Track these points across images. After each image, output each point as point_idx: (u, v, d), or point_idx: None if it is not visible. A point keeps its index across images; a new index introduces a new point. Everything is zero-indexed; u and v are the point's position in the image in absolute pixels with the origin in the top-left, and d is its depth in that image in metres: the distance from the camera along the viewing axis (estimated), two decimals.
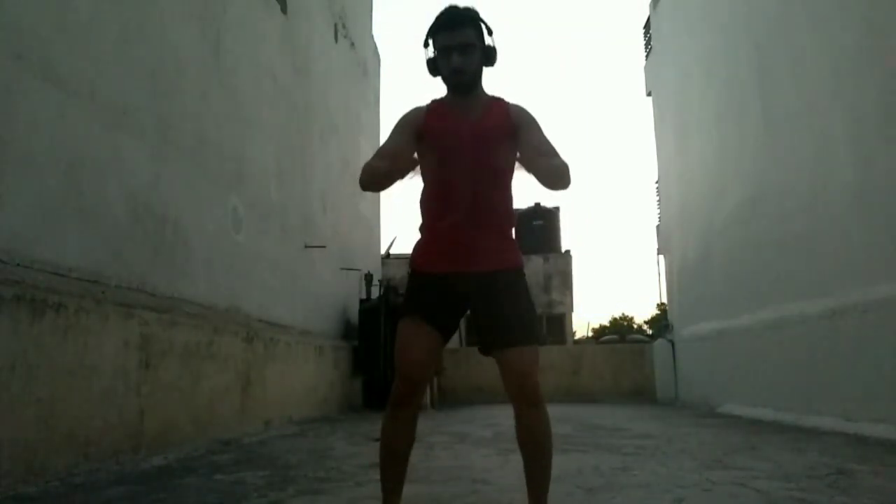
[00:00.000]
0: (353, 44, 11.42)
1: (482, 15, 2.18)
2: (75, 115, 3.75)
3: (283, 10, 7.71)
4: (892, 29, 5.18)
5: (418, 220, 2.25)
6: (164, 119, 4.77)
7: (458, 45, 2.11)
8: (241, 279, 6.07)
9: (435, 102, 2.24)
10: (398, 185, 2.11)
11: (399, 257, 15.43)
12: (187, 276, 5.00)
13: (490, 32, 2.18)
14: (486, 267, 2.11)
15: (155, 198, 4.59)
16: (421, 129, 2.17)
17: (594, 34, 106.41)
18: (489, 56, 2.18)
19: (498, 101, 2.23)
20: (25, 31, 3.37)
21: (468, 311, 2.18)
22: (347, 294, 10.16)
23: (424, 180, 2.22)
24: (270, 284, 6.85)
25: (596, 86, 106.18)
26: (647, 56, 13.07)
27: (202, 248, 5.28)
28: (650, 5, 12.65)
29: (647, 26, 13.00)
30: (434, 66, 2.20)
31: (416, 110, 2.22)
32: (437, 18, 2.15)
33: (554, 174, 2.03)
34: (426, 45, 2.20)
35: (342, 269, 9.60)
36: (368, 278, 10.92)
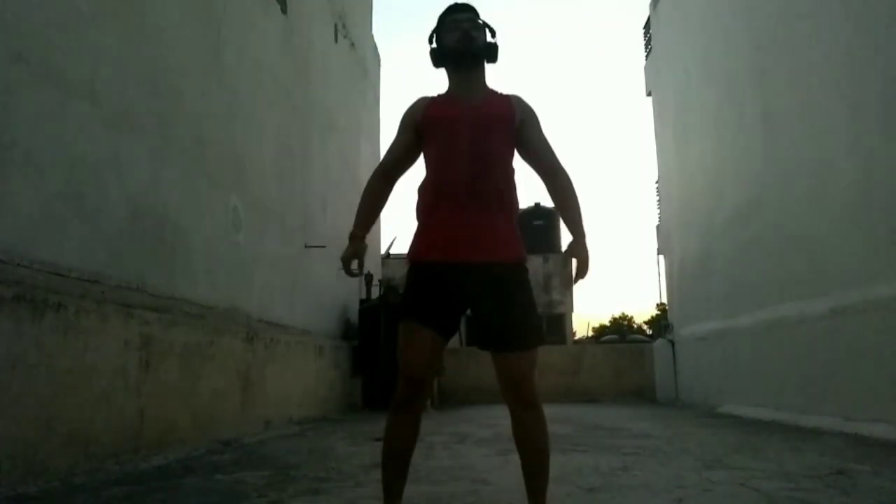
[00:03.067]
0: (353, 44, 11.42)
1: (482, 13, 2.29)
2: (75, 115, 3.75)
3: (283, 10, 7.71)
4: (892, 29, 5.18)
5: (415, 210, 2.24)
6: (164, 119, 4.77)
7: (467, 21, 2.22)
8: (241, 279, 6.07)
9: (437, 95, 2.29)
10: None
11: (399, 257, 15.43)
12: (187, 276, 5.00)
13: (493, 33, 2.26)
14: (488, 257, 2.06)
15: (155, 198, 4.59)
16: (419, 121, 2.20)
17: (594, 34, 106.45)
18: (492, 51, 2.25)
19: (498, 93, 2.28)
20: (25, 31, 3.37)
21: (468, 310, 2.16)
22: (347, 294, 10.16)
23: (426, 167, 2.23)
24: (270, 284, 6.85)
25: (596, 86, 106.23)
26: (647, 56, 13.07)
27: (202, 248, 5.28)
28: (650, 5, 12.65)
29: (647, 26, 13.00)
30: (438, 57, 2.26)
31: (419, 101, 2.27)
32: (447, 7, 2.28)
33: (569, 196, 2.18)
34: (431, 38, 2.29)
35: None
36: (368, 278, 10.92)
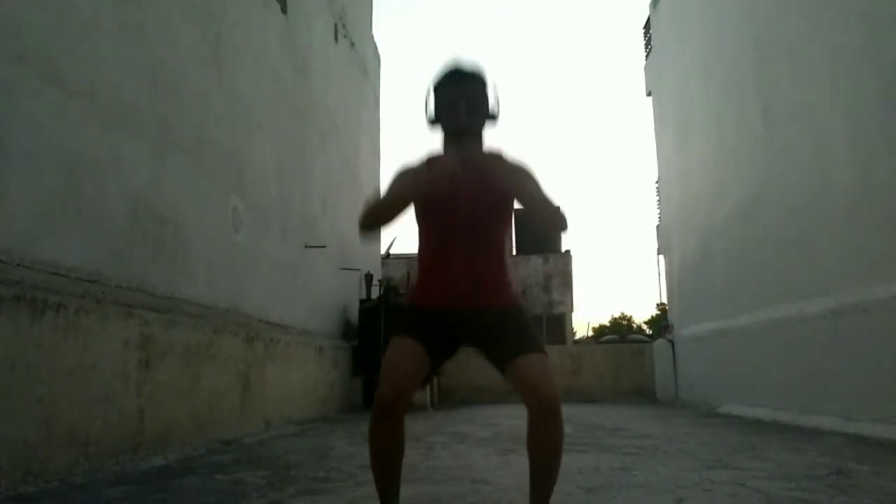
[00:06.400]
0: (353, 44, 11.42)
1: (488, 74, 2.13)
2: (75, 115, 3.75)
3: (283, 10, 7.71)
4: (892, 29, 5.18)
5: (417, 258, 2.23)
6: (164, 119, 4.77)
7: (466, 98, 2.06)
8: (241, 279, 6.07)
9: (431, 161, 2.15)
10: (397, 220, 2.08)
11: (399, 257, 15.44)
12: (187, 276, 5.00)
13: (496, 93, 2.15)
14: (487, 301, 2.09)
15: (155, 198, 4.59)
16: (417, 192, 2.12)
17: (594, 34, 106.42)
18: (493, 116, 2.14)
19: (496, 158, 2.15)
20: (25, 31, 3.37)
21: (463, 345, 2.17)
22: (347, 294, 10.16)
23: (420, 232, 2.20)
24: (270, 284, 6.85)
25: (596, 86, 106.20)
26: (647, 56, 13.07)
27: (202, 248, 5.28)
28: (650, 5, 12.65)
29: (647, 26, 13.01)
30: (434, 118, 2.14)
31: (414, 166, 2.16)
32: (445, 71, 2.11)
33: (549, 217, 2.06)
34: (428, 95, 2.15)
35: (342, 269, 9.61)
36: (368, 278, 10.92)
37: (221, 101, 5.83)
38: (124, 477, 3.54)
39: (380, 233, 2.14)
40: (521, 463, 2.15)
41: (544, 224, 2.07)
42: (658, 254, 12.67)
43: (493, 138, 2.18)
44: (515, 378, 1.98)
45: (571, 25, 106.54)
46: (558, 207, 2.08)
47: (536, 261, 19.93)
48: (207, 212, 5.44)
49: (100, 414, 3.71)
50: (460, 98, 2.06)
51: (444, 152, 2.15)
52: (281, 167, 7.42)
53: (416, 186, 2.07)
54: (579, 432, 5.79)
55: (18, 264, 3.19)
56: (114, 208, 4.10)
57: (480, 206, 2.09)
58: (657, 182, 12.71)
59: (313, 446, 5.03)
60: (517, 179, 2.09)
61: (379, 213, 2.09)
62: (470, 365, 11.49)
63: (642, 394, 11.99)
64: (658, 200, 12.67)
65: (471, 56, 2.14)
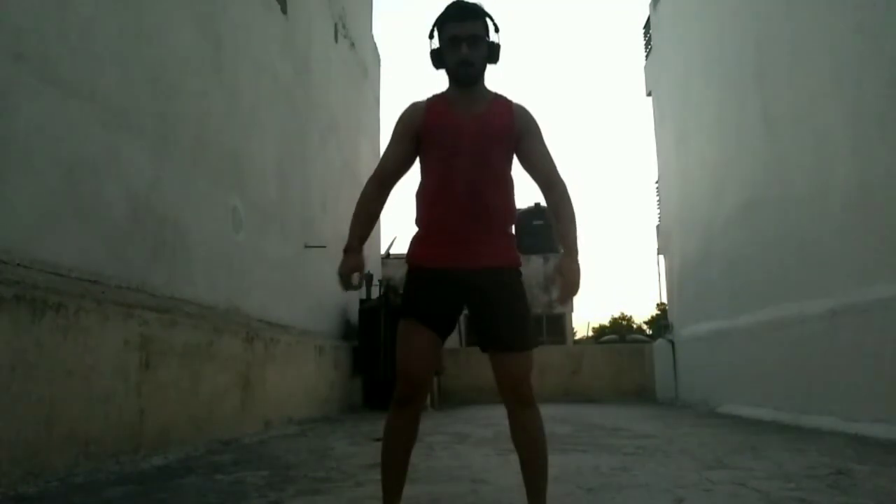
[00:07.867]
0: (353, 44, 11.42)
1: (490, 11, 2.19)
2: (75, 115, 3.75)
3: (283, 10, 7.71)
4: (892, 29, 5.18)
5: (414, 214, 2.24)
6: (164, 119, 4.77)
7: (468, 36, 2.11)
8: (241, 279, 6.07)
9: (435, 98, 2.22)
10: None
11: (399, 257, 15.44)
12: (187, 276, 5.00)
13: (497, 29, 2.20)
14: (486, 263, 2.12)
15: (155, 198, 4.59)
16: (420, 128, 2.17)
17: (594, 34, 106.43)
18: (493, 52, 2.18)
19: (500, 99, 2.22)
20: (25, 31, 3.37)
21: (465, 310, 2.19)
22: (347, 294, 10.14)
23: (423, 174, 2.22)
24: (270, 284, 6.85)
25: (596, 86, 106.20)
26: (647, 56, 13.07)
27: (202, 248, 5.28)
28: (650, 5, 12.65)
29: (647, 26, 13.00)
30: (438, 58, 2.19)
31: (415, 109, 2.21)
32: (447, 9, 2.17)
33: (563, 210, 2.20)
34: (431, 35, 2.21)
35: None
36: (368, 278, 10.92)
37: (221, 101, 5.83)
38: (124, 477, 3.54)
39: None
40: (519, 463, 2.15)
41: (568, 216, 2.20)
42: (658, 254, 12.67)
43: (496, 83, 2.21)
44: (496, 369, 2.13)
45: (572, 26, 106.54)
46: (569, 200, 2.21)
47: (536, 261, 19.90)
48: (207, 212, 5.44)
49: (100, 414, 3.70)
50: (462, 35, 2.11)
51: (448, 90, 2.21)
52: (281, 167, 7.42)
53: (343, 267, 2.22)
54: (579, 432, 5.79)
55: (18, 264, 3.19)
56: (114, 208, 4.10)
57: (483, 140, 2.13)
58: (657, 182, 12.70)
59: (313, 446, 5.03)
60: (525, 139, 2.18)
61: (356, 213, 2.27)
62: (470, 365, 11.51)
63: (642, 394, 11.99)
64: (658, 200, 12.67)
65: None
